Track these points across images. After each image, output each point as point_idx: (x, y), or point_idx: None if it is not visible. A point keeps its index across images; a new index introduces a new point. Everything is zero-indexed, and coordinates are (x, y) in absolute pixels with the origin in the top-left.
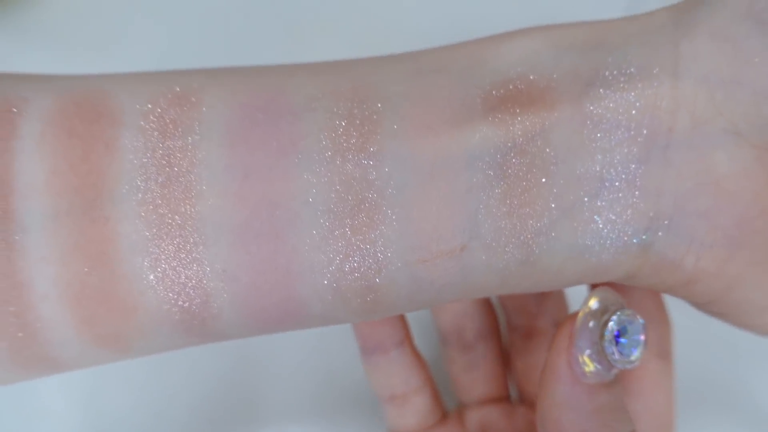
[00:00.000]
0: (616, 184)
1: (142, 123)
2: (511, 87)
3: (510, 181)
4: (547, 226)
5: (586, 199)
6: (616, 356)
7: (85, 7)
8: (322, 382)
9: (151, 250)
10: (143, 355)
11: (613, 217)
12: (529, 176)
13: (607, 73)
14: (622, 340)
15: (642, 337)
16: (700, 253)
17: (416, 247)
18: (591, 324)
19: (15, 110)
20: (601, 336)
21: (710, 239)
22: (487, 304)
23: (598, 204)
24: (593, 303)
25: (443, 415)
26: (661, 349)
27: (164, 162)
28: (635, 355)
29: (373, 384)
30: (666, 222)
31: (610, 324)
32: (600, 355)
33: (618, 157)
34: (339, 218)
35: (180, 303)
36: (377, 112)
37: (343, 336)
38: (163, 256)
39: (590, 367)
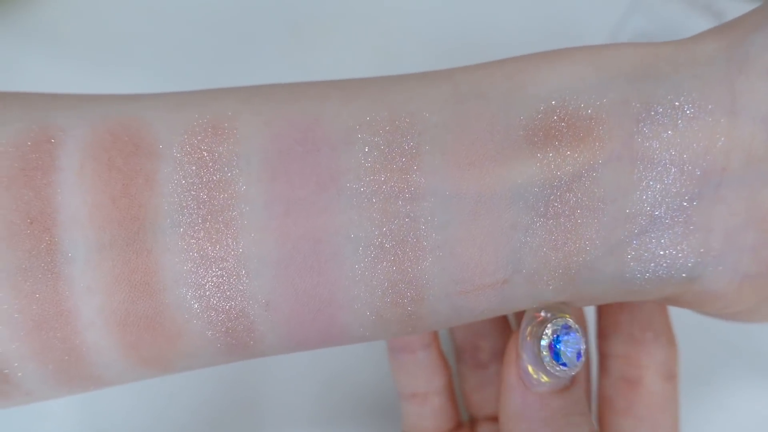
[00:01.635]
0: (666, 221)
1: (179, 155)
2: (555, 118)
3: (555, 219)
4: (592, 262)
5: (634, 236)
6: (555, 366)
7: (85, 7)
8: (325, 384)
9: (194, 281)
10: (185, 371)
11: (662, 253)
12: (575, 214)
13: (659, 108)
14: (560, 348)
15: (581, 346)
16: (743, 283)
17: (458, 281)
18: (531, 335)
19: (53, 140)
20: (537, 346)
21: (754, 270)
22: (503, 324)
23: (647, 241)
24: (538, 312)
25: (458, 424)
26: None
27: (204, 196)
28: (573, 361)
29: (396, 381)
30: (714, 257)
31: (546, 332)
32: (540, 365)
33: (670, 196)
34: (381, 253)
35: (224, 330)
36: (417, 145)
37: None
38: (206, 287)
39: (535, 376)
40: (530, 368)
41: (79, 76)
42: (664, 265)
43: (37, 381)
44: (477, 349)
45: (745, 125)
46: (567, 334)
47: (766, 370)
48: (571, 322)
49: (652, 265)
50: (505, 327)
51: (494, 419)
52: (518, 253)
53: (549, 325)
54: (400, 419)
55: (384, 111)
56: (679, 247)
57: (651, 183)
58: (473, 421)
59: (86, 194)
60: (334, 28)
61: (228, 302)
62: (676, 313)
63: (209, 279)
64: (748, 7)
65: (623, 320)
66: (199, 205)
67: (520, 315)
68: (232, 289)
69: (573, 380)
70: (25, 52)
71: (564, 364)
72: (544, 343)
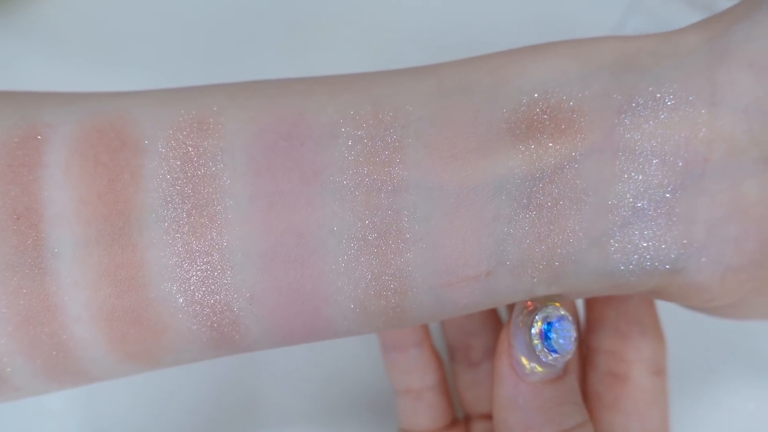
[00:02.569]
0: (649, 212)
1: (164, 150)
2: (537, 110)
3: (538, 211)
4: (576, 254)
5: (617, 228)
6: (547, 355)
7: (84, 7)
8: (322, 381)
9: (179, 275)
10: (173, 366)
11: (645, 245)
12: (557, 206)
13: (641, 100)
14: (551, 335)
15: (571, 333)
16: (726, 276)
17: (442, 272)
18: (522, 325)
19: (40, 137)
20: (529, 334)
21: (737, 263)
22: (495, 322)
23: (629, 232)
24: (529, 302)
25: (453, 420)
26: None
27: (188, 191)
28: (565, 349)
29: (391, 377)
30: (697, 248)
31: (536, 322)
32: (532, 354)
33: (652, 188)
34: (364, 246)
35: (209, 324)
36: (400, 138)
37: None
38: (191, 282)
39: (528, 366)
40: (522, 358)
41: (78, 75)
42: (648, 256)
43: (26, 376)
44: (469, 348)
45: (726, 116)
46: (558, 321)
47: (761, 368)
48: (561, 309)
49: (636, 256)
50: (496, 325)
51: (488, 417)
52: (501, 244)
53: (539, 313)
54: (397, 418)
55: (368, 105)
56: (662, 239)
57: (633, 174)
58: (468, 419)
59: (72, 190)
60: (333, 28)
61: (213, 296)
62: (672, 311)
63: (194, 273)
64: None
65: (610, 315)
66: (184, 200)
67: (512, 309)
68: (216, 283)
69: (565, 370)
70: (25, 52)
71: (555, 351)
72: (534, 330)
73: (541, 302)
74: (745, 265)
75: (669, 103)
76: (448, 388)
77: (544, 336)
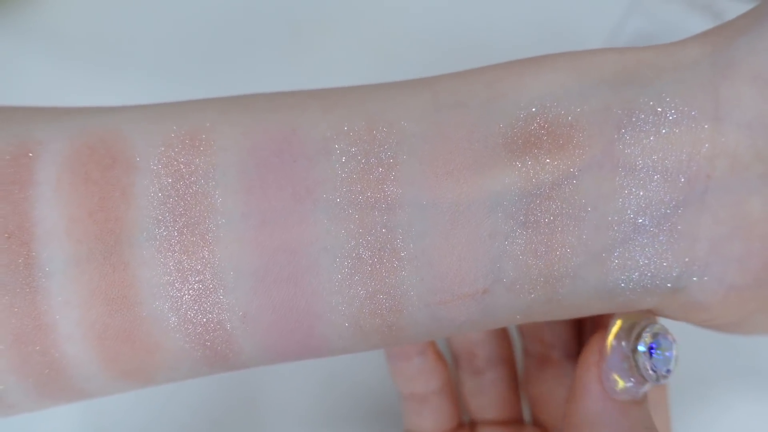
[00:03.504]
0: (651, 229)
1: (156, 167)
2: (534, 125)
3: (535, 227)
4: (574, 270)
5: (617, 244)
6: (651, 371)
7: (84, 8)
8: (324, 384)
9: (171, 294)
10: (167, 383)
11: (646, 262)
12: (555, 222)
13: (641, 114)
14: (656, 354)
15: (674, 352)
16: (729, 295)
17: (437, 290)
18: (623, 340)
19: (31, 155)
20: (634, 350)
21: (740, 282)
22: (499, 330)
23: (630, 249)
24: (623, 320)
25: (459, 424)
26: None
27: (180, 209)
28: (670, 368)
29: (396, 383)
30: (699, 266)
31: (644, 338)
32: (632, 371)
33: (653, 204)
34: (358, 264)
35: (202, 342)
36: (394, 155)
37: None
38: (183, 300)
39: (621, 384)
40: (615, 374)
41: (78, 76)
42: (648, 274)
43: (19, 394)
44: (473, 356)
45: (730, 131)
46: (663, 339)
47: (764, 372)
48: (663, 327)
49: (636, 274)
50: (500, 333)
51: (493, 423)
52: (498, 262)
53: (647, 329)
54: (399, 420)
55: (361, 120)
56: (663, 256)
57: (633, 190)
58: (473, 424)
59: (63, 208)
60: (334, 28)
61: (205, 315)
62: None
63: (186, 292)
64: (747, 7)
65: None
66: (175, 218)
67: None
68: (209, 301)
69: (644, 394)
70: (24, 52)
71: (656, 370)
72: (642, 348)
73: (637, 318)
74: (748, 284)
75: (671, 118)
76: (453, 392)
77: (650, 355)
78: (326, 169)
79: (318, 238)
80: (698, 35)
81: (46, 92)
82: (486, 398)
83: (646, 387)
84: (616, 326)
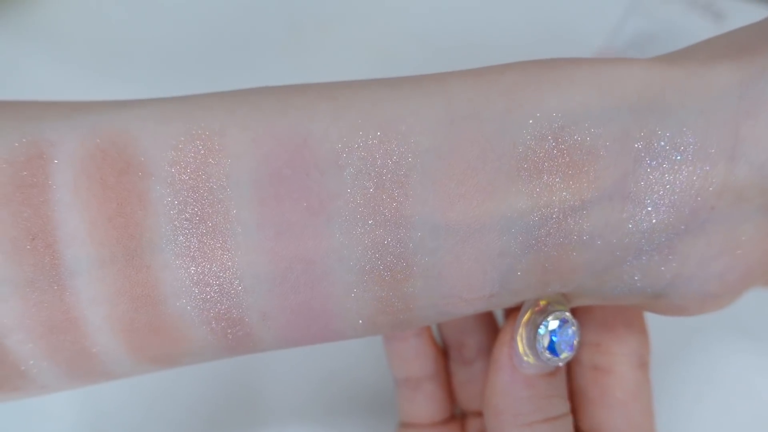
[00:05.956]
0: (649, 252)
1: (168, 174)
2: (549, 147)
3: (543, 250)
4: (575, 283)
5: (616, 265)
6: (546, 354)
7: (84, 8)
8: (322, 380)
9: (193, 294)
10: (192, 364)
11: (639, 276)
12: (562, 248)
13: (659, 146)
14: (555, 339)
15: (574, 340)
16: (706, 300)
17: (446, 296)
18: (530, 322)
19: (45, 156)
20: (535, 332)
21: (718, 292)
22: (490, 321)
23: (627, 267)
24: (533, 304)
25: (451, 416)
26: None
27: (197, 218)
28: (565, 354)
29: (391, 366)
30: (684, 279)
31: (544, 324)
32: (533, 351)
33: (656, 233)
34: (372, 275)
35: (224, 335)
36: (407, 173)
37: None
38: (205, 300)
39: (530, 359)
40: (525, 350)
41: (78, 75)
42: (638, 285)
43: (51, 377)
44: (463, 346)
45: (742, 171)
46: (564, 326)
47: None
48: (569, 316)
49: (629, 286)
50: (491, 324)
51: (482, 414)
52: (505, 276)
53: (550, 316)
54: (396, 416)
55: (374, 130)
56: (655, 272)
57: (639, 221)
58: (463, 416)
59: (83, 212)
60: (334, 28)
61: (227, 313)
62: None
63: (208, 293)
64: (747, 7)
65: (595, 309)
66: (194, 226)
67: (507, 312)
68: (229, 302)
69: (557, 367)
70: (25, 52)
71: (556, 354)
72: (542, 331)
73: (550, 303)
74: (724, 293)
75: (687, 153)
76: (447, 383)
77: (550, 337)
78: (339, 184)
79: (332, 250)
80: (731, 50)
81: (46, 92)
82: (476, 388)
83: (553, 364)
84: (525, 306)
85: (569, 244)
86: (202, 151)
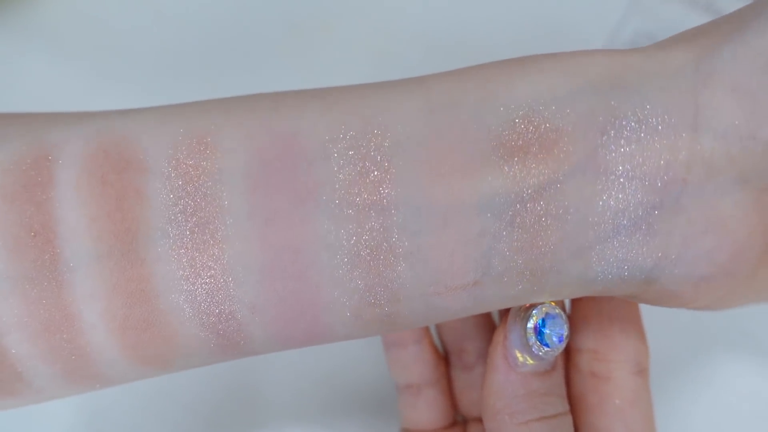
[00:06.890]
0: (629, 228)
1: (166, 170)
2: (523, 128)
3: (521, 227)
4: (558, 265)
5: (597, 242)
6: (536, 347)
7: (84, 8)
8: (321, 381)
9: (185, 288)
10: (184, 369)
11: (622, 257)
12: (540, 223)
13: (623, 122)
14: (545, 331)
15: (564, 329)
16: (699, 285)
17: (431, 283)
18: (519, 319)
19: (50, 158)
20: (525, 328)
21: (709, 273)
22: (489, 326)
23: (609, 246)
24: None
25: (453, 422)
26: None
27: (191, 209)
28: (556, 345)
29: (392, 373)
30: (672, 260)
31: (532, 317)
32: (525, 347)
33: (632, 206)
34: (357, 260)
35: (215, 331)
36: (389, 158)
37: None
38: (197, 293)
39: (521, 358)
40: (516, 351)
41: (78, 75)
42: (625, 267)
43: (46, 379)
44: (463, 351)
45: (706, 140)
46: (551, 318)
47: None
48: (555, 308)
49: (615, 268)
50: (490, 329)
51: (482, 420)
52: (487, 257)
53: (535, 310)
54: (397, 417)
55: (358, 121)
56: (639, 252)
57: (613, 193)
58: (464, 422)
59: (83, 208)
60: (333, 28)
61: (218, 306)
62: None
63: (199, 286)
64: None
65: (592, 315)
66: (187, 218)
67: (504, 313)
68: (220, 294)
69: (553, 366)
70: (25, 52)
71: (547, 346)
72: (530, 325)
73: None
74: (717, 275)
75: (651, 126)
76: (448, 389)
77: (538, 331)
78: (326, 172)
79: (319, 236)
80: (686, 35)
81: (46, 92)
82: (477, 394)
83: (547, 361)
84: (515, 309)
85: (546, 220)
86: (198, 148)
